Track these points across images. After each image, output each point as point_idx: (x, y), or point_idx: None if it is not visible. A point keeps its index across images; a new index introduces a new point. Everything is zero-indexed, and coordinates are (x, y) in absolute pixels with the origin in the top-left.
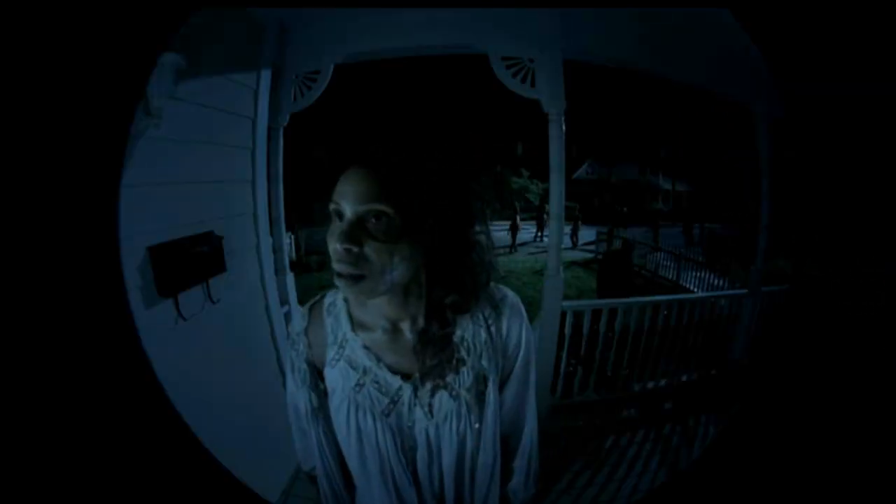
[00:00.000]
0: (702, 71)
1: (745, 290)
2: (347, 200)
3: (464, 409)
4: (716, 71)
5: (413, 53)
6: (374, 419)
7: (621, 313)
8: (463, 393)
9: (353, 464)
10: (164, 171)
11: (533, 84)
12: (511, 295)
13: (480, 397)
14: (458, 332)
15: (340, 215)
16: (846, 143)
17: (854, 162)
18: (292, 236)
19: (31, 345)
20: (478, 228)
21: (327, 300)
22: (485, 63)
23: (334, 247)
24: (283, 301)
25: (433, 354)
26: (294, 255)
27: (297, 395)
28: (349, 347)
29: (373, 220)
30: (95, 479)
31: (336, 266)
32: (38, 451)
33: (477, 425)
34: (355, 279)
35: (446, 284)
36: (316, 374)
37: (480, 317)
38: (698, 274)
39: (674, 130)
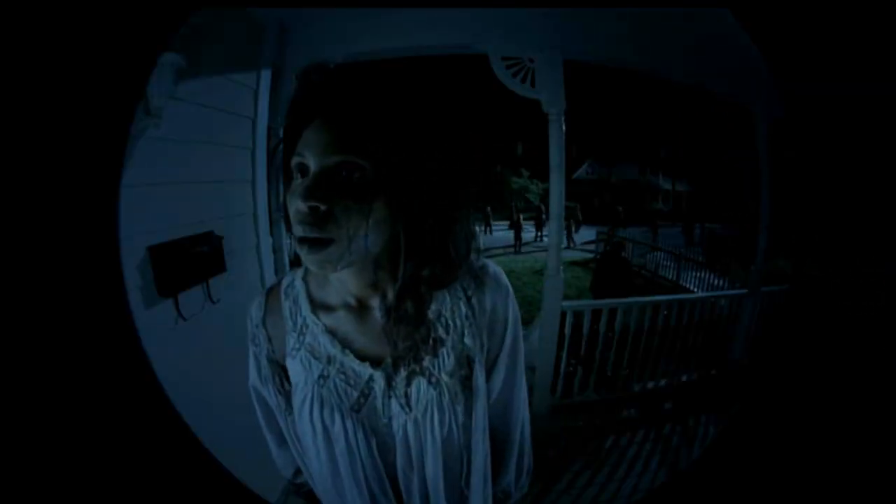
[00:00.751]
0: (702, 71)
1: (745, 290)
2: (313, 151)
3: (446, 399)
4: (716, 71)
5: (413, 53)
6: (342, 417)
7: (621, 313)
8: (444, 378)
9: (323, 469)
10: (164, 171)
11: (533, 84)
12: (492, 264)
13: (465, 384)
14: (434, 308)
15: (304, 170)
16: (846, 143)
17: (854, 162)
18: (292, 236)
19: (31, 345)
20: (466, 191)
21: (284, 282)
22: (485, 63)
23: (296, 206)
24: None
25: (406, 335)
26: (294, 255)
27: (264, 392)
28: (310, 333)
29: (343, 174)
30: (95, 479)
31: (298, 229)
32: (38, 451)
33: (464, 419)
34: (322, 244)
35: (425, 254)
36: (280, 371)
37: (459, 288)
38: (698, 274)
39: (674, 130)
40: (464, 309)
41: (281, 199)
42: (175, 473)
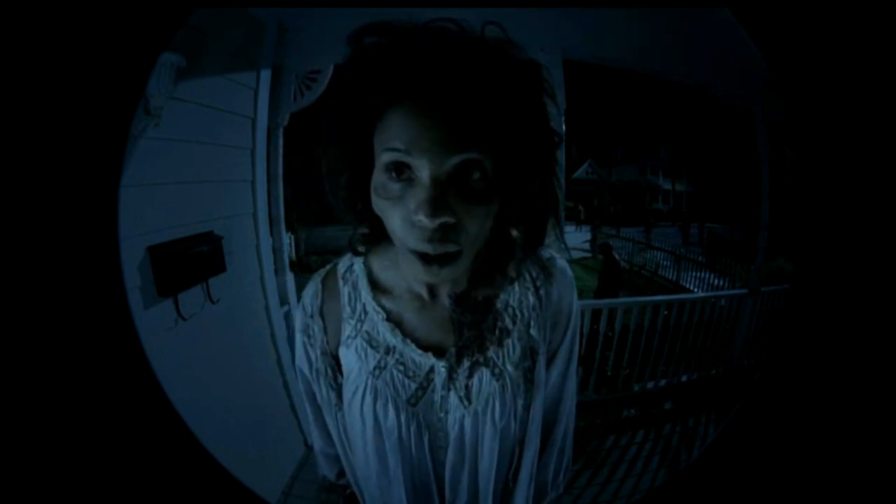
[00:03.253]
0: (702, 71)
1: (745, 290)
2: (423, 150)
3: (509, 393)
4: (716, 71)
5: None
6: (397, 410)
7: (621, 313)
8: (509, 369)
9: (370, 467)
10: (164, 171)
11: None
12: (558, 257)
13: (528, 376)
14: (503, 297)
15: (403, 170)
16: (846, 143)
17: (854, 162)
18: (292, 236)
19: (30, 345)
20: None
21: (342, 267)
22: None
23: (416, 220)
24: (283, 301)
25: (472, 323)
26: (294, 255)
27: (314, 387)
28: (368, 321)
29: (464, 175)
30: (94, 479)
31: (425, 247)
32: (37, 451)
33: (522, 413)
34: (452, 258)
35: (514, 240)
36: (333, 363)
37: (527, 278)
38: (698, 274)
39: (674, 130)
40: (532, 300)
41: (282, 201)
42: (174, 473)
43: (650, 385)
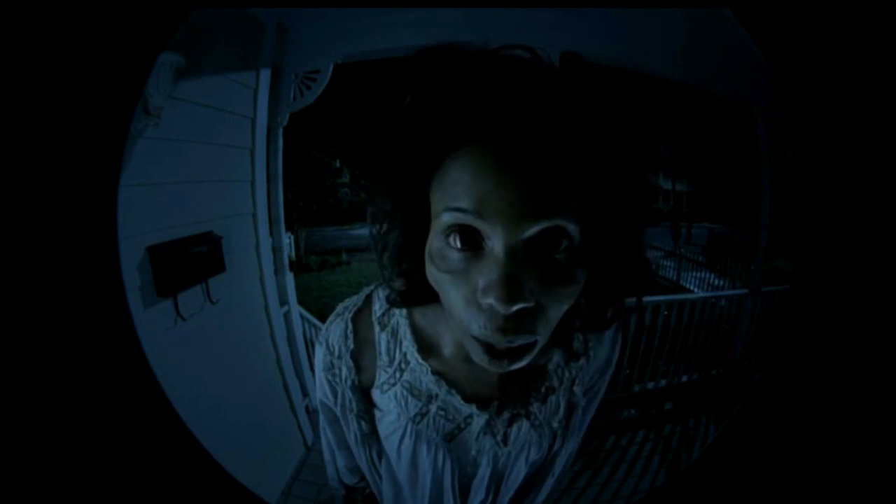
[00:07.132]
0: (702, 71)
1: (745, 290)
2: (500, 211)
3: (546, 440)
4: (716, 71)
5: (412, 53)
6: (435, 449)
7: None
8: (555, 425)
9: (399, 484)
10: (164, 171)
11: None
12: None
13: (565, 424)
14: (555, 359)
15: (472, 239)
16: (846, 143)
17: (854, 162)
18: (292, 236)
19: (29, 345)
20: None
21: (377, 307)
22: None
23: (484, 303)
24: (283, 301)
25: (521, 382)
26: (294, 255)
27: (339, 416)
28: (409, 371)
29: (548, 246)
30: (93, 480)
31: (491, 337)
32: (36, 451)
33: (555, 450)
34: (526, 351)
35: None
36: (365, 401)
37: (581, 341)
38: (698, 274)
39: (674, 130)
40: (581, 360)
41: (282, 201)
42: (174, 474)
43: (650, 385)
